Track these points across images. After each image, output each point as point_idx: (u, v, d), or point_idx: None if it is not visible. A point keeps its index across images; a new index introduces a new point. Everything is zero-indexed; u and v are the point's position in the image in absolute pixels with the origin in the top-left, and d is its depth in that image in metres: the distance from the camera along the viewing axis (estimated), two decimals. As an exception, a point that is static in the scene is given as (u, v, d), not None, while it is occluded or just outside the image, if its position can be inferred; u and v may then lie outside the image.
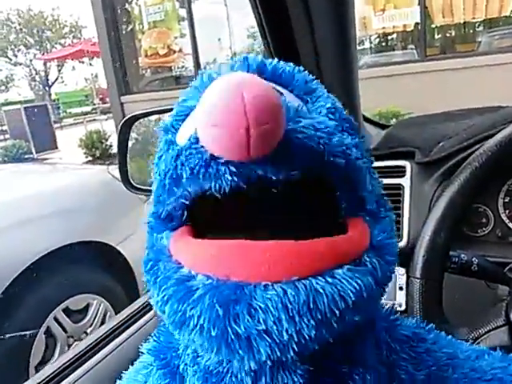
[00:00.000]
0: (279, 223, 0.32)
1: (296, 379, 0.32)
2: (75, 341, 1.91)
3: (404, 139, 0.85)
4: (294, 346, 0.29)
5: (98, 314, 1.98)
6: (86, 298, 1.95)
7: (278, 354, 0.29)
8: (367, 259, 0.32)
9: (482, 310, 0.57)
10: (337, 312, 0.29)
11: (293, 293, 0.28)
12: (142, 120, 0.91)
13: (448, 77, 5.26)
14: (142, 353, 0.44)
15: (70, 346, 1.88)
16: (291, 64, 0.38)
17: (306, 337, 0.28)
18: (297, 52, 0.72)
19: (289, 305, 0.28)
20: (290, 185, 0.30)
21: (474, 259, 0.59)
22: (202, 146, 0.30)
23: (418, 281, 0.54)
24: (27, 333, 1.69)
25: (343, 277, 0.30)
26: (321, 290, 0.29)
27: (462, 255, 0.59)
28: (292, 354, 0.29)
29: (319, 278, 0.29)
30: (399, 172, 0.83)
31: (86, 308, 1.96)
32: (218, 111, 0.28)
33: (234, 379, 0.34)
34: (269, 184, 0.30)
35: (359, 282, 0.30)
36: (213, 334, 0.29)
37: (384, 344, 0.39)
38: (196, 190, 0.32)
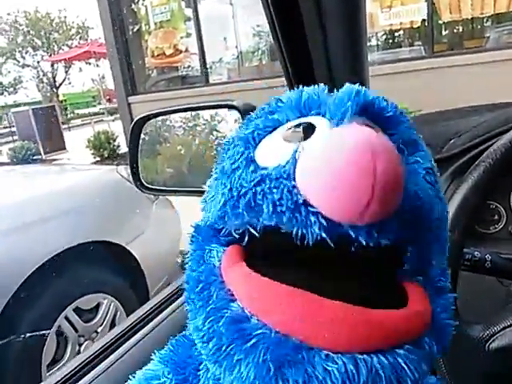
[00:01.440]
0: (339, 280, 0.29)
1: None
2: (86, 340, 1.92)
3: (415, 136, 0.85)
4: None
5: (109, 314, 2.00)
6: (97, 298, 1.97)
7: None
8: (427, 340, 0.30)
9: (496, 307, 0.57)
10: None
11: (354, 370, 0.26)
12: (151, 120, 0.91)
13: (456, 73, 5.22)
14: (152, 359, 0.41)
15: (80, 345, 1.90)
16: (395, 107, 0.35)
17: None
18: (308, 51, 0.72)
19: (347, 382, 0.26)
20: (368, 247, 0.28)
21: (487, 256, 0.59)
22: (294, 186, 0.28)
23: (432, 278, 0.54)
24: (39, 333, 1.70)
25: (403, 359, 0.28)
26: (381, 372, 0.27)
27: (476, 252, 0.59)
28: None
29: (381, 357, 0.27)
30: (411, 169, 0.83)
31: (97, 307, 1.98)
32: (342, 175, 0.25)
33: None
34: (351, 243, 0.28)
35: (418, 367, 0.28)
36: None
37: None
38: (271, 226, 0.29)
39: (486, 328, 0.53)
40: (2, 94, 23.38)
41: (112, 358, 0.75)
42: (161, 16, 7.69)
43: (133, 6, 7.87)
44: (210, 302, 0.31)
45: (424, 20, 5.81)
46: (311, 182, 0.26)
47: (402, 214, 0.28)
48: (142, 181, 0.90)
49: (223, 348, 0.29)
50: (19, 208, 1.92)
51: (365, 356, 0.27)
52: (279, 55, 0.75)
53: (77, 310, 1.89)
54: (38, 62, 22.32)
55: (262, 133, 0.34)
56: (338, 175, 0.25)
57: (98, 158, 7.96)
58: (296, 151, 0.29)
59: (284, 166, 0.29)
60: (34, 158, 8.97)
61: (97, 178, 2.46)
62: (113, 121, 10.25)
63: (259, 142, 0.33)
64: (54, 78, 22.48)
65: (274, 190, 0.28)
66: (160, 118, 0.92)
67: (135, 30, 7.93)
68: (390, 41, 6.69)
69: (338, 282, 0.29)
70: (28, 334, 1.66)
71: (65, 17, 23.04)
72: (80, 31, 23.14)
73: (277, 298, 0.28)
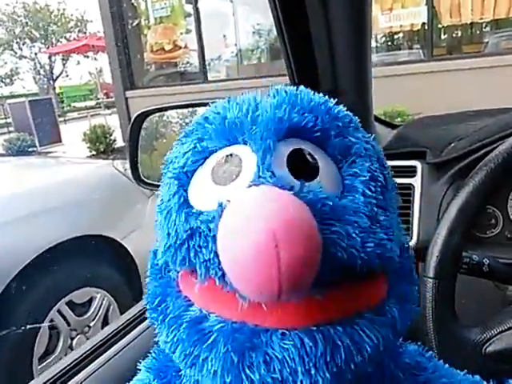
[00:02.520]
0: None
1: None
2: (78, 334, 1.92)
3: (415, 139, 0.85)
4: None
5: (101, 308, 1.99)
6: (90, 292, 1.96)
7: None
8: (387, 308, 0.31)
9: (493, 311, 0.57)
10: (352, 365, 0.29)
11: (310, 344, 0.27)
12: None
13: (454, 77, 5.24)
14: (139, 370, 0.43)
15: (72, 338, 1.89)
16: (330, 108, 0.35)
17: None
18: (312, 50, 0.72)
19: (305, 357, 0.27)
20: None
21: (485, 260, 0.59)
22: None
23: (431, 280, 0.54)
24: (31, 327, 1.70)
25: (361, 328, 0.29)
26: (338, 342, 0.28)
27: (474, 256, 0.59)
28: None
29: (338, 327, 0.28)
30: (410, 172, 0.83)
31: (90, 301, 1.97)
32: (247, 268, 0.25)
33: None
34: None
35: (377, 334, 0.29)
36: (226, 380, 0.29)
37: (388, 370, 0.38)
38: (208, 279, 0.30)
39: (482, 331, 0.53)
40: (-2, 84, 23.24)
41: (101, 359, 0.74)
42: (161, 11, 7.66)
43: (133, 0, 7.84)
44: (168, 312, 0.32)
45: (424, 23, 5.84)
46: (226, 258, 0.26)
47: (333, 266, 0.28)
48: (141, 175, 0.90)
49: (188, 352, 0.30)
50: (11, 201, 1.91)
51: (321, 328, 0.28)
52: (283, 53, 0.75)
53: (70, 304, 1.88)
54: (36, 54, 22.17)
55: (194, 167, 0.34)
56: (243, 267, 0.25)
57: (93, 152, 7.92)
58: (221, 206, 0.29)
59: (211, 221, 0.30)
60: (30, 149, 8.91)
61: (93, 172, 2.45)
62: (109, 115, 10.20)
63: (191, 176, 0.34)
64: (51, 70, 22.34)
65: (204, 251, 0.29)
66: (158, 113, 0.92)
67: (135, 24, 7.90)
68: (390, 43, 6.71)
69: None
70: (21, 328, 1.65)
71: (64, 9, 22.90)
72: (79, 24, 22.99)
73: (228, 293, 0.29)
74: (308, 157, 0.33)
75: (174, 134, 1.00)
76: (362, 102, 0.81)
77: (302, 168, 0.32)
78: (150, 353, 0.43)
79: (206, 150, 0.34)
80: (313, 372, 0.28)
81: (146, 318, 0.84)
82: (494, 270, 0.59)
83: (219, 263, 0.28)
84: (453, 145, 0.79)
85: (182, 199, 0.33)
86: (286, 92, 0.35)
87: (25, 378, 1.68)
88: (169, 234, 0.32)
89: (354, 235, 0.29)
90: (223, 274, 0.28)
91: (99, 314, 1.98)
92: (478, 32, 6.14)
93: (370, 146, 0.36)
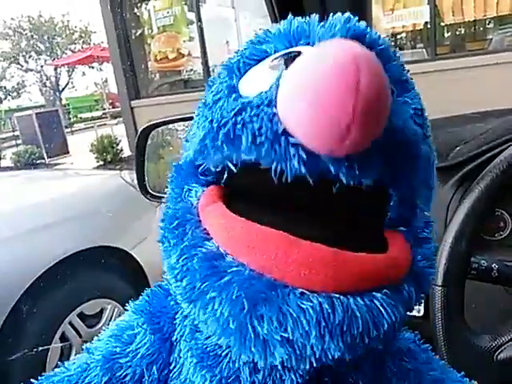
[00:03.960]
0: (319, 224, 0.28)
1: (295, 378, 0.31)
2: (90, 345, 1.93)
3: (420, 143, 0.85)
4: (313, 360, 0.27)
5: (113, 319, 1.99)
6: (101, 303, 1.97)
7: (293, 362, 0.27)
8: (405, 287, 0.30)
9: (504, 317, 0.57)
10: (366, 340, 0.27)
11: (329, 310, 0.26)
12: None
13: (458, 76, 5.21)
14: (126, 309, 0.41)
15: (84, 350, 1.90)
16: (387, 41, 0.33)
17: (329, 356, 0.27)
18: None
19: (322, 322, 0.26)
20: (350, 188, 0.27)
21: (494, 265, 0.59)
22: (275, 114, 0.26)
23: (440, 288, 0.53)
24: (43, 348, 1.71)
25: (381, 302, 0.27)
26: (357, 313, 0.26)
27: (482, 261, 0.59)
28: (307, 366, 0.28)
29: (358, 298, 0.27)
30: (416, 176, 0.83)
31: (101, 313, 1.98)
32: (323, 88, 0.23)
33: (230, 365, 0.32)
34: (331, 179, 0.27)
35: (395, 311, 0.28)
36: (231, 325, 0.27)
37: (377, 352, 0.36)
38: (250, 160, 0.27)
39: (493, 338, 0.52)
40: (6, 98, 23.51)
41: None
42: (164, 20, 7.72)
43: (136, 10, 7.91)
44: (185, 239, 0.30)
45: (426, 22, 5.81)
46: (291, 106, 0.24)
47: (384, 150, 0.26)
48: (148, 189, 0.90)
49: (197, 285, 0.28)
50: (22, 214, 1.93)
51: (341, 297, 0.26)
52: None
53: (81, 316, 1.89)
54: (42, 67, 22.44)
55: (248, 62, 0.32)
56: (318, 93, 0.23)
57: (101, 162, 7.98)
58: (280, 77, 0.27)
59: (266, 93, 0.27)
60: (38, 162, 9.00)
61: (101, 184, 2.47)
62: (116, 124, 10.28)
63: (245, 72, 0.32)
64: (57, 82, 22.58)
65: (254, 119, 0.26)
66: (160, 127, 0.92)
67: (138, 34, 7.96)
68: (392, 43, 6.69)
69: (316, 225, 0.28)
70: (33, 351, 1.66)
71: (68, 21, 23.15)
72: (83, 35, 23.25)
73: (252, 237, 0.27)
74: None
75: (179, 141, 1.01)
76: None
77: None
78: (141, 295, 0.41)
79: (263, 51, 0.32)
80: (327, 339, 0.26)
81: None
82: (504, 274, 0.58)
83: (272, 126, 0.26)
84: (459, 148, 0.79)
85: (232, 85, 0.30)
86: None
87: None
88: (212, 121, 0.29)
89: (407, 136, 0.28)
90: (273, 142, 0.26)
91: (110, 324, 1.99)
92: (481, 29, 6.11)
93: (417, 91, 0.35)
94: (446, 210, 0.77)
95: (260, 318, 0.26)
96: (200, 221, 0.30)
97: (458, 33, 6.20)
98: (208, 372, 0.32)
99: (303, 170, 0.26)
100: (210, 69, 7.52)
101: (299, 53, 0.30)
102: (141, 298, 0.41)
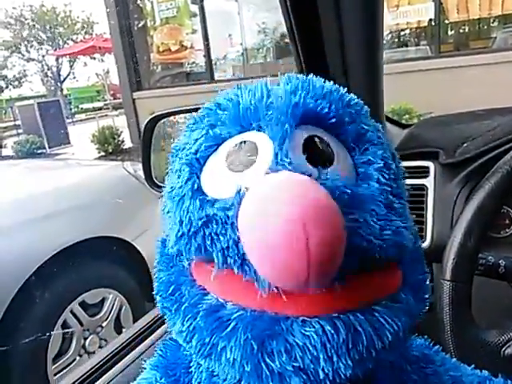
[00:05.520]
0: None
1: None
2: (90, 334, 1.94)
3: (427, 139, 0.85)
4: (328, 382, 0.28)
5: (114, 308, 2.01)
6: (102, 292, 1.98)
7: None
8: (403, 296, 0.31)
9: (510, 313, 0.57)
10: (373, 352, 0.28)
11: (332, 331, 0.27)
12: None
13: (462, 74, 5.20)
14: (144, 368, 0.42)
15: (85, 339, 1.91)
16: (343, 95, 0.34)
17: (342, 376, 0.28)
18: (323, 50, 0.72)
19: (327, 344, 0.27)
20: None
21: (501, 261, 0.59)
22: (239, 238, 0.28)
23: (448, 283, 0.54)
24: (45, 336, 1.72)
25: (381, 314, 0.29)
26: (359, 329, 0.28)
27: (489, 257, 0.59)
28: None
29: (358, 314, 0.28)
30: (423, 172, 0.83)
31: (102, 302, 1.98)
32: (276, 252, 0.24)
33: None
34: None
35: (396, 320, 0.29)
36: (246, 368, 0.28)
37: (397, 363, 0.39)
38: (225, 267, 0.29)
39: (501, 334, 0.53)
40: (7, 87, 23.41)
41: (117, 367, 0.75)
42: (166, 12, 7.68)
43: (139, 1, 7.87)
44: (183, 300, 0.31)
45: (431, 20, 5.79)
46: (250, 242, 0.26)
47: (354, 254, 0.28)
48: (154, 179, 0.90)
49: (206, 341, 0.29)
50: (24, 204, 1.93)
51: (341, 315, 0.28)
52: (294, 52, 0.75)
53: (82, 304, 1.90)
54: (43, 56, 22.33)
55: (207, 153, 0.34)
56: (272, 252, 0.24)
57: (102, 153, 7.96)
58: (239, 192, 0.29)
59: (229, 209, 0.29)
60: (39, 151, 8.98)
61: (103, 174, 2.47)
62: (117, 116, 10.24)
63: (204, 163, 0.34)
64: (58, 72, 22.48)
65: (221, 238, 0.29)
66: (165, 118, 0.92)
67: (141, 25, 7.92)
68: (396, 40, 6.67)
69: None
70: (35, 338, 1.67)
71: (70, 11, 22.99)
72: (85, 26, 23.09)
73: (248, 281, 0.28)
74: (323, 144, 0.32)
75: (180, 133, 1.01)
76: (374, 101, 0.81)
77: (317, 155, 0.31)
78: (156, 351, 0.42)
79: (218, 136, 0.33)
80: (335, 359, 0.27)
81: (161, 324, 0.85)
82: (511, 271, 0.59)
83: (238, 251, 0.28)
84: (466, 145, 0.79)
85: (195, 186, 0.32)
86: (298, 78, 0.34)
87: (39, 379, 1.71)
88: (181, 222, 0.31)
89: (372, 223, 0.29)
90: (242, 263, 0.28)
91: (111, 314, 2.00)
92: (485, 27, 6.09)
93: (381, 134, 0.36)
94: (452, 207, 0.77)
95: (271, 354, 0.27)
96: (194, 280, 0.32)
97: (462, 31, 6.18)
98: None
99: (275, 289, 0.27)
100: (213, 62, 7.49)
101: (254, 144, 0.32)
102: (155, 353, 0.42)
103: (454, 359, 0.43)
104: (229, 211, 0.29)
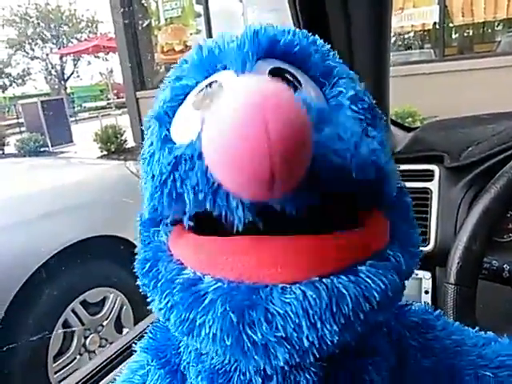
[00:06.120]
0: (291, 217, 0.27)
1: (309, 377, 0.30)
2: (91, 333, 1.94)
3: (432, 143, 0.85)
4: (315, 352, 0.27)
5: (115, 308, 2.01)
6: (103, 292, 1.98)
7: (298, 359, 0.27)
8: (390, 253, 0.29)
9: (513, 317, 0.57)
10: (361, 315, 0.26)
11: (314, 295, 0.25)
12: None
13: (466, 77, 5.19)
14: (134, 351, 0.41)
15: (86, 337, 1.92)
16: (308, 34, 0.33)
17: (328, 342, 0.26)
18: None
19: (310, 310, 0.25)
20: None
21: (505, 266, 0.59)
22: (207, 167, 0.25)
23: (453, 287, 0.54)
24: (46, 335, 1.72)
25: (367, 274, 0.27)
26: (344, 291, 0.26)
27: (494, 262, 0.59)
28: (312, 359, 0.27)
29: (341, 276, 0.26)
30: (427, 176, 0.83)
31: (103, 301, 1.99)
32: (235, 152, 0.22)
33: (242, 378, 0.31)
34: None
35: (384, 279, 0.27)
36: (227, 342, 0.26)
37: (395, 331, 0.37)
38: (199, 211, 0.28)
39: (502, 337, 0.53)
40: (11, 85, 23.48)
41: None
42: (171, 12, 7.70)
43: (143, 1, 7.89)
44: (160, 277, 0.30)
45: (435, 23, 5.79)
46: (215, 160, 0.24)
47: (323, 165, 0.26)
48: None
49: (184, 317, 0.28)
50: (26, 202, 1.93)
51: (323, 279, 0.26)
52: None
53: (84, 303, 1.90)
54: (47, 55, 22.40)
55: (174, 104, 0.32)
56: (234, 152, 0.22)
57: (105, 152, 7.98)
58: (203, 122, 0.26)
59: (196, 143, 0.27)
60: (42, 150, 9.00)
61: (106, 173, 2.47)
62: (120, 115, 10.27)
63: (173, 115, 0.32)
64: (62, 70, 22.55)
65: (190, 174, 0.27)
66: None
67: (145, 25, 7.94)
68: (400, 43, 6.67)
69: (283, 218, 0.27)
70: (37, 336, 1.67)
71: (75, 10, 23.09)
72: (89, 25, 23.17)
73: (222, 250, 0.27)
74: (288, 76, 0.31)
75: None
76: (380, 104, 0.81)
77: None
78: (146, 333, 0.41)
79: (185, 86, 0.32)
80: (319, 325, 0.26)
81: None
82: (515, 275, 0.58)
83: (207, 181, 0.26)
84: (471, 149, 0.79)
85: (163, 136, 0.31)
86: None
87: (40, 377, 1.71)
88: (153, 176, 0.29)
89: (345, 138, 0.27)
90: (213, 194, 0.26)
91: (112, 313, 2.00)
92: (490, 31, 6.08)
93: (352, 73, 0.34)
94: (457, 210, 0.77)
95: (251, 324, 0.26)
96: (171, 255, 0.31)
97: (466, 34, 6.17)
98: None
99: (250, 216, 0.26)
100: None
101: (218, 83, 0.30)
102: (145, 336, 0.41)
103: (457, 323, 0.41)
104: (195, 145, 0.27)
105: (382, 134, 0.32)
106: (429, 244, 0.79)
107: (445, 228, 0.77)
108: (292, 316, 0.25)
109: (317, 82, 0.32)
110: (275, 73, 0.30)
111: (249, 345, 0.26)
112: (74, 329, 1.83)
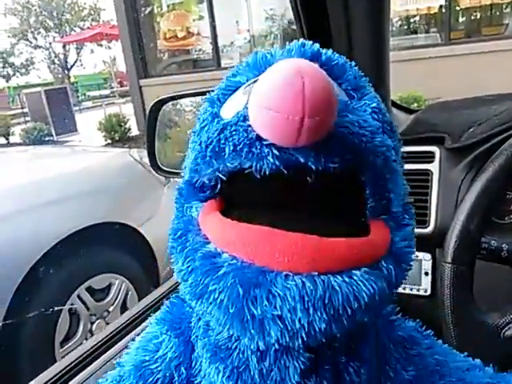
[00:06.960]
0: (306, 216, 0.33)
1: (297, 364, 0.35)
2: (97, 319, 1.97)
3: (433, 124, 0.84)
4: (303, 335, 0.30)
5: (120, 294, 2.04)
6: (109, 278, 2.01)
7: (287, 339, 0.31)
8: (384, 264, 0.33)
9: (511, 297, 0.57)
10: (349, 310, 0.31)
11: (311, 287, 0.30)
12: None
13: (473, 61, 5.12)
14: (149, 323, 0.45)
15: (92, 323, 1.95)
16: (343, 58, 0.38)
17: (317, 329, 0.30)
18: (329, 33, 0.71)
19: (305, 297, 0.30)
20: (324, 178, 0.32)
21: (503, 246, 0.59)
22: (249, 125, 0.31)
23: (449, 266, 0.54)
24: (53, 310, 1.75)
25: (360, 278, 0.31)
26: (337, 288, 0.30)
27: (492, 241, 0.59)
28: (300, 342, 0.31)
29: (337, 276, 0.31)
30: (428, 157, 0.82)
31: (108, 287, 2.01)
32: (277, 95, 0.28)
33: (240, 356, 0.36)
34: (305, 172, 0.32)
35: (374, 285, 0.31)
36: (230, 310, 0.31)
37: (380, 341, 0.41)
38: (236, 166, 0.33)
39: (501, 316, 0.53)
40: (14, 74, 23.45)
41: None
42: (173, -2, 7.63)
43: (145, -13, 7.81)
44: (187, 244, 0.35)
45: (441, 6, 5.70)
46: (257, 114, 0.30)
47: (343, 139, 0.31)
48: (158, 163, 0.91)
49: (199, 280, 0.32)
50: (32, 189, 1.95)
51: (322, 276, 0.30)
52: (298, 32, 0.74)
53: (89, 290, 1.92)
54: (50, 44, 22.31)
55: (225, 92, 0.38)
56: (274, 101, 0.28)
57: (109, 141, 7.99)
58: (250, 94, 0.32)
59: (241, 111, 0.33)
60: (46, 139, 9.02)
61: (110, 161, 2.48)
62: (124, 103, 10.24)
63: (224, 101, 0.37)
64: (65, 59, 22.47)
65: (234, 133, 0.32)
66: (172, 102, 0.92)
67: (147, 12, 7.88)
68: (406, 27, 6.57)
69: (300, 218, 0.33)
70: (44, 312, 1.70)
71: (77, -3, 22.90)
72: (92, 13, 22.98)
73: (242, 235, 0.32)
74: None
75: (187, 122, 1.01)
76: (380, 87, 0.80)
77: None
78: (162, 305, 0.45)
79: (238, 82, 0.37)
80: (311, 311, 0.30)
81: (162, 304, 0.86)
82: (513, 255, 0.58)
83: (247, 136, 0.31)
84: (472, 129, 0.78)
85: (214, 113, 0.36)
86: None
87: (47, 362, 1.74)
88: (200, 143, 0.35)
89: (365, 126, 0.33)
90: (250, 146, 0.31)
91: (118, 299, 2.03)
92: (497, 14, 5.97)
93: (377, 95, 0.39)
94: (457, 192, 0.77)
95: (254, 300, 0.30)
96: (200, 229, 0.36)
97: (473, 17, 6.07)
98: (221, 364, 0.37)
99: (277, 163, 0.31)
100: (220, 49, 7.44)
101: None
102: (161, 308, 0.46)
103: (445, 345, 0.44)
104: (241, 112, 0.33)
105: (397, 144, 0.37)
106: (429, 225, 0.79)
107: (445, 209, 0.77)
108: (289, 299, 0.30)
109: (348, 95, 0.37)
110: None
111: (248, 317, 0.30)
112: (74, 306, 1.85)
